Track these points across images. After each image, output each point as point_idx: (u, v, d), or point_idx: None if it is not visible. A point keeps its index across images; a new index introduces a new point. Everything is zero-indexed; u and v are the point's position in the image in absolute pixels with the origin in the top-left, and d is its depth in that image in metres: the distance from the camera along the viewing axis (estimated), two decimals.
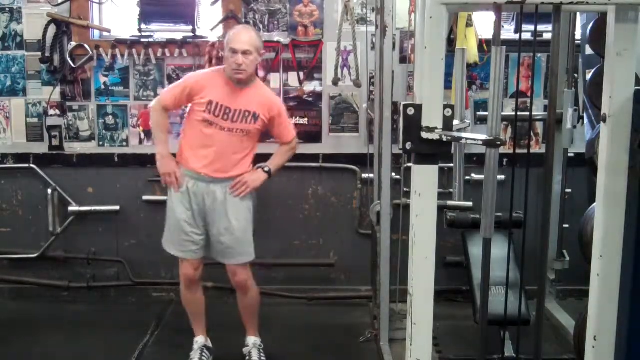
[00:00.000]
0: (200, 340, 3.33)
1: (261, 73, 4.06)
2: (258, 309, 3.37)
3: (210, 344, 3.35)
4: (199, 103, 3.13)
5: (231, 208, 3.16)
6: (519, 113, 3.14)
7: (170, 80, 4.07)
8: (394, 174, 3.49)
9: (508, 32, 3.87)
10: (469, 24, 3.56)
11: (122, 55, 4.04)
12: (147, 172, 4.11)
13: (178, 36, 4.04)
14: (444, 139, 1.83)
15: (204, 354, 3.29)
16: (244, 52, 3.03)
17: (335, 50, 3.77)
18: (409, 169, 2.10)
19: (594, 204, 2.01)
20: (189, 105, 3.23)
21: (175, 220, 3.19)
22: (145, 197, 4.16)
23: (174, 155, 3.24)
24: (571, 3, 1.88)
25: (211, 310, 3.43)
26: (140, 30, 4.02)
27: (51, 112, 4.10)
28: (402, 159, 3.73)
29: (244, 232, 3.20)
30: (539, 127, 4.09)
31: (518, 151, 3.71)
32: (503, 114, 2.15)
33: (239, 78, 3.08)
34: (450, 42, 3.50)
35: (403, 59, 3.95)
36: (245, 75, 3.08)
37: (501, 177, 3.34)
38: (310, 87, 4.10)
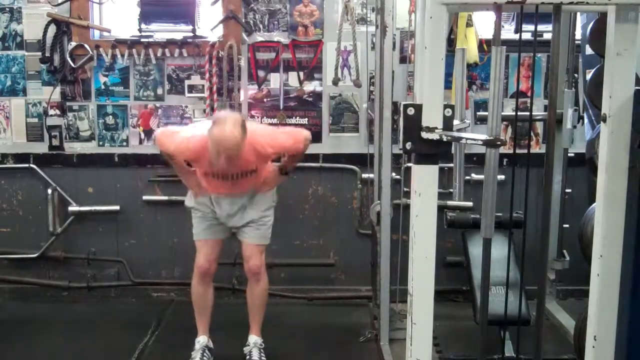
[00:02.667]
0: (202, 340, 3.33)
1: (261, 73, 4.07)
2: (265, 303, 3.38)
3: (211, 345, 3.35)
4: (196, 169, 3.22)
5: (254, 204, 3.25)
6: (519, 113, 3.14)
7: (170, 80, 4.08)
8: (394, 174, 3.49)
9: (508, 32, 3.87)
10: (469, 24, 3.57)
11: (122, 55, 4.04)
12: (147, 172, 4.11)
13: (178, 36, 4.04)
14: (444, 139, 1.83)
15: (205, 354, 3.29)
16: (229, 157, 2.91)
17: (335, 50, 3.77)
18: (409, 169, 2.10)
19: (594, 204, 2.01)
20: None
21: (201, 214, 3.27)
22: (145, 197, 4.16)
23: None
24: (571, 3, 1.88)
25: (212, 310, 3.42)
26: (140, 30, 4.02)
27: (51, 112, 4.10)
28: (402, 159, 3.73)
29: (264, 218, 3.28)
30: (539, 127, 4.09)
31: (518, 151, 3.72)
32: (503, 114, 2.15)
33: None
34: (450, 42, 3.50)
35: (403, 59, 3.96)
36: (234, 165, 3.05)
37: (501, 177, 3.36)
38: (310, 87, 4.10)
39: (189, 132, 3.16)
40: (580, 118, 3.69)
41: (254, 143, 3.03)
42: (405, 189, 3.59)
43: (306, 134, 3.29)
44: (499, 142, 1.95)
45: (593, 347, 1.90)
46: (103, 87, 4.11)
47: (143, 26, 4.01)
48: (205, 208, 3.26)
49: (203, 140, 2.94)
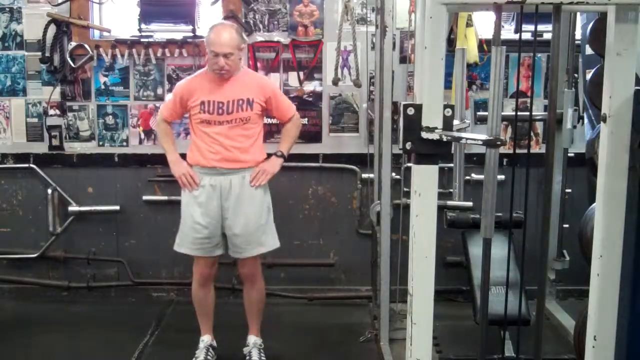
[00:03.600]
0: (206, 339, 3.34)
1: (261, 73, 4.06)
2: (263, 305, 3.38)
3: (215, 344, 3.36)
4: (194, 106, 3.18)
5: (246, 201, 3.19)
6: (519, 113, 3.14)
7: (170, 80, 4.08)
8: (394, 174, 3.49)
9: (508, 32, 3.87)
10: (469, 24, 3.56)
11: (122, 55, 4.04)
12: (147, 172, 4.11)
13: (178, 36, 4.05)
14: (444, 139, 1.83)
15: (209, 353, 3.30)
16: (225, 55, 3.05)
17: (335, 50, 3.77)
18: (409, 169, 2.10)
19: (594, 204, 2.01)
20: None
21: (190, 221, 3.23)
22: (145, 197, 4.16)
23: (184, 157, 3.29)
24: (571, 3, 1.89)
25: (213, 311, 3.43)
26: (140, 30, 4.02)
27: (51, 112, 4.10)
28: (402, 159, 3.73)
29: (257, 225, 3.22)
30: (539, 127, 4.09)
31: (518, 151, 3.72)
32: (503, 114, 2.15)
33: (224, 77, 3.14)
34: (450, 42, 3.49)
35: (403, 59, 3.95)
36: (229, 74, 3.13)
37: (501, 177, 3.35)
38: (310, 87, 4.10)
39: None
40: (580, 118, 3.69)
41: (254, 76, 3.33)
42: (405, 189, 3.59)
43: (297, 116, 3.40)
44: (499, 142, 1.95)
45: (593, 347, 1.90)
46: (103, 87, 4.11)
47: (143, 26, 4.01)
48: (195, 208, 3.19)
49: (197, 74, 3.27)
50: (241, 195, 3.17)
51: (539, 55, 4.01)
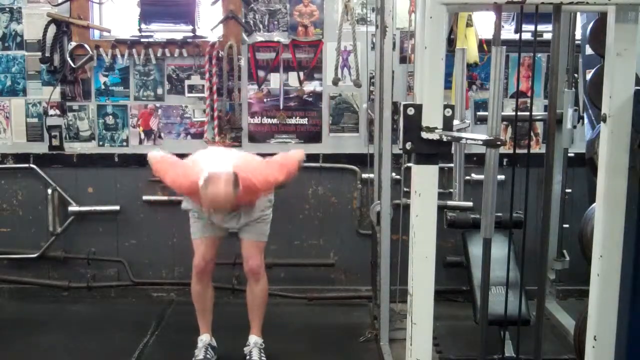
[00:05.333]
0: (205, 338, 3.34)
1: (261, 73, 4.07)
2: (265, 303, 3.37)
3: (214, 343, 3.36)
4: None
5: (250, 208, 3.23)
6: (519, 113, 3.14)
7: (170, 80, 4.08)
8: (394, 174, 3.49)
9: (508, 32, 3.87)
10: (469, 24, 3.56)
11: (122, 55, 4.04)
12: (147, 172, 4.08)
13: (178, 36, 4.04)
14: (444, 139, 1.83)
15: (208, 352, 3.29)
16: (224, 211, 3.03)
17: (335, 50, 3.78)
18: (409, 169, 2.10)
19: (594, 204, 2.01)
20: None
21: (197, 214, 3.26)
22: (145, 197, 4.16)
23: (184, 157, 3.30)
24: (571, 3, 1.88)
25: (212, 310, 3.42)
26: (140, 30, 4.02)
27: (51, 112, 4.10)
28: (402, 159, 3.73)
29: (262, 217, 3.27)
30: (539, 127, 4.09)
31: (518, 151, 3.72)
32: (503, 114, 2.16)
33: None
34: (450, 42, 3.50)
35: (403, 59, 3.95)
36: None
37: (501, 177, 3.36)
38: (310, 87, 4.10)
39: (185, 168, 3.13)
40: (580, 118, 3.69)
41: (247, 185, 3.00)
42: (405, 189, 3.59)
43: (299, 157, 3.31)
44: (499, 142, 1.95)
45: (593, 347, 1.90)
46: (103, 87, 4.11)
47: (143, 26, 4.01)
48: (201, 212, 3.23)
49: (193, 187, 2.95)
50: (244, 208, 3.23)
51: (539, 55, 4.01)
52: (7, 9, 4.03)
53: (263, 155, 3.37)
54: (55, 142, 4.13)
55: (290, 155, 3.31)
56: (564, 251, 3.77)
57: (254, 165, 3.19)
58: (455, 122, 2.00)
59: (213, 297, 3.39)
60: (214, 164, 3.01)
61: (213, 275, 3.37)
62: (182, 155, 3.32)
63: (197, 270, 3.28)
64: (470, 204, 3.21)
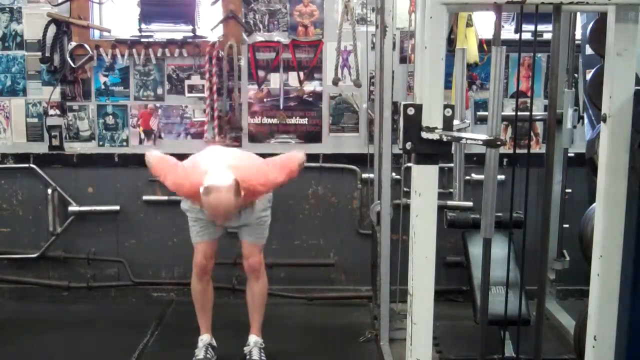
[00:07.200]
0: (205, 338, 3.34)
1: (261, 73, 4.07)
2: (265, 302, 3.38)
3: (214, 343, 3.36)
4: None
5: (250, 208, 3.23)
6: (519, 113, 3.14)
7: (170, 80, 4.08)
8: (394, 174, 3.49)
9: (508, 32, 3.87)
10: (469, 24, 3.56)
11: (122, 55, 4.04)
12: (147, 172, 4.07)
13: (178, 36, 4.04)
14: (444, 139, 1.83)
15: (208, 352, 3.30)
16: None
17: (335, 50, 3.78)
18: (409, 169, 2.11)
19: (594, 204, 2.01)
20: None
21: (195, 216, 3.26)
22: (145, 197, 4.16)
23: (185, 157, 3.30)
24: (571, 3, 1.89)
25: (212, 309, 3.42)
26: (140, 30, 4.02)
27: (51, 112, 4.10)
28: (402, 159, 3.73)
29: (261, 219, 3.28)
30: (539, 127, 4.09)
31: (518, 151, 3.72)
32: (503, 114, 2.16)
33: None
34: (450, 42, 3.49)
35: (403, 59, 3.95)
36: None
37: (501, 177, 3.35)
38: (310, 87, 4.10)
39: (186, 170, 3.11)
40: (580, 118, 3.69)
41: (248, 188, 2.99)
42: (405, 189, 3.59)
43: (299, 159, 3.30)
44: (499, 142, 1.95)
45: (593, 347, 1.90)
46: (103, 87, 4.11)
47: (143, 26, 4.01)
48: (199, 213, 3.23)
49: (200, 181, 2.92)
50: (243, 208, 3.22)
51: (539, 55, 4.01)
52: (7, 9, 4.02)
53: (263, 155, 3.37)
54: (55, 142, 4.13)
55: (290, 156, 3.31)
56: (564, 251, 3.77)
57: (254, 166, 3.18)
58: (455, 122, 2.00)
59: (213, 296, 3.39)
60: (215, 166, 3.01)
61: (213, 275, 3.37)
62: (182, 156, 3.32)
63: (197, 269, 3.28)
64: (470, 204, 3.21)
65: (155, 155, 3.31)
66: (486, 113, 2.07)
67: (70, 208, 4.14)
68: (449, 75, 2.72)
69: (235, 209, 2.98)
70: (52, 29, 4.01)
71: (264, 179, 3.09)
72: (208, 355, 3.28)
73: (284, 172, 3.18)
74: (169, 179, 3.13)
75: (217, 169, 2.98)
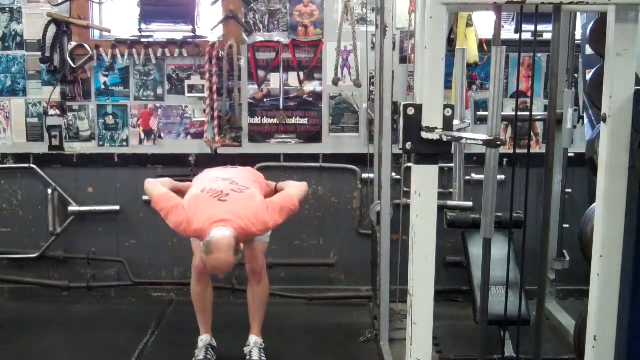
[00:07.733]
0: (205, 338, 3.33)
1: (261, 73, 4.07)
2: (266, 303, 3.38)
3: (214, 343, 3.36)
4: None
5: None
6: (519, 113, 3.14)
7: (170, 80, 4.08)
8: (394, 174, 3.49)
9: (508, 32, 3.87)
10: (469, 24, 3.56)
11: (122, 55, 4.04)
12: (147, 172, 4.10)
13: (178, 36, 4.05)
14: (444, 139, 1.83)
15: (208, 352, 3.30)
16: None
17: (335, 50, 3.77)
18: (409, 169, 2.11)
19: (594, 204, 2.01)
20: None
21: None
22: (145, 197, 4.14)
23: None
24: (571, 3, 1.88)
25: (212, 310, 3.42)
26: (140, 30, 4.02)
27: (51, 112, 4.10)
28: (402, 159, 3.73)
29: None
30: (539, 127, 4.09)
31: (518, 151, 3.72)
32: (503, 114, 2.16)
33: None
34: (450, 42, 3.50)
35: (403, 59, 3.96)
36: None
37: (501, 177, 3.36)
38: (310, 87, 4.10)
39: (188, 213, 3.05)
40: (580, 118, 3.69)
41: (246, 234, 3.01)
42: (405, 189, 3.60)
43: (301, 194, 3.29)
44: (499, 142, 1.95)
45: (593, 347, 1.90)
46: (103, 87, 4.11)
47: (143, 26, 4.01)
48: None
49: (203, 229, 2.96)
50: None
51: (539, 55, 4.01)
52: (7, 9, 4.03)
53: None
54: (55, 142, 4.13)
55: (292, 195, 3.23)
56: (564, 251, 3.77)
57: (253, 211, 3.06)
58: (455, 122, 2.00)
59: (213, 297, 3.39)
60: (216, 214, 2.98)
61: (213, 275, 3.37)
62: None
63: (196, 271, 3.28)
64: (470, 204, 3.21)
65: (154, 188, 3.25)
66: (486, 113, 2.07)
67: (70, 208, 4.15)
68: (449, 75, 2.72)
69: (235, 263, 2.98)
70: (52, 29, 4.01)
71: (263, 225, 3.06)
72: (208, 356, 3.28)
73: (283, 214, 3.13)
74: (171, 220, 3.09)
75: (217, 219, 2.96)
